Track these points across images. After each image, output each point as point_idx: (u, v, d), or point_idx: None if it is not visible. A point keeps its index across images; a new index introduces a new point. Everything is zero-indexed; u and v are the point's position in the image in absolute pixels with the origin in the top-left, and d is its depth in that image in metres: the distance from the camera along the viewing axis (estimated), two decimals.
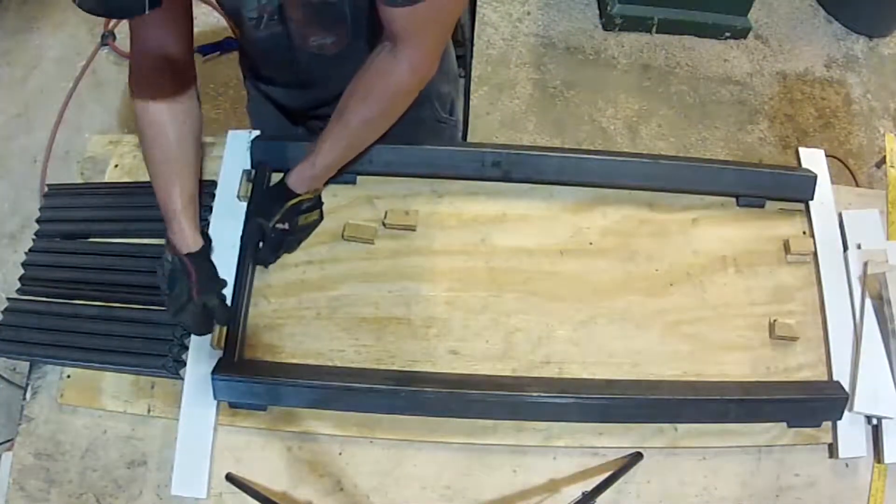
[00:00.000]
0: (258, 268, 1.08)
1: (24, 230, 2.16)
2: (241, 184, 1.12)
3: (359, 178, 1.14)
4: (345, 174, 1.09)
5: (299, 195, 1.04)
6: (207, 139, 1.22)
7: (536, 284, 1.09)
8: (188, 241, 0.99)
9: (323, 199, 1.10)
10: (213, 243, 1.07)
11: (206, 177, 1.15)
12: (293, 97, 1.23)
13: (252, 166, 1.13)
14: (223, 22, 2.45)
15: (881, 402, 1.01)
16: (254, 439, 1.01)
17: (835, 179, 1.18)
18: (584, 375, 1.04)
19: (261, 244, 1.05)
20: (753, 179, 1.16)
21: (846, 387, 1.02)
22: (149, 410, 1.02)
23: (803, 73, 2.50)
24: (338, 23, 1.00)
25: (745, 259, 1.12)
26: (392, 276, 1.08)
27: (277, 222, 1.04)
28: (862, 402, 1.01)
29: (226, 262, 1.05)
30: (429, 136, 1.28)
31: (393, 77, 0.92)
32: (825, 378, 1.06)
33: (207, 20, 2.48)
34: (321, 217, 1.11)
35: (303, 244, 1.10)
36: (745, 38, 2.56)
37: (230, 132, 1.17)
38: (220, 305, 1.01)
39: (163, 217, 1.00)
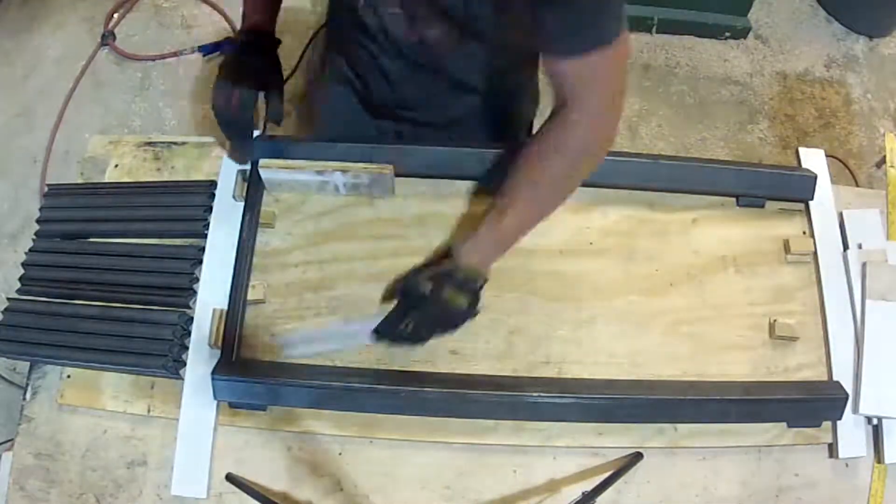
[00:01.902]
0: (257, 268, 1.08)
1: (24, 230, 2.16)
2: (236, 184, 1.12)
3: None
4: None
5: (457, 262, 0.92)
6: (207, 139, 1.22)
7: (536, 284, 1.09)
8: (256, 21, 1.00)
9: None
10: (213, 243, 1.08)
11: (207, 177, 1.15)
12: (381, 90, 1.15)
13: (251, 166, 1.12)
14: (223, 22, 2.45)
15: (885, 404, 1.01)
16: (254, 439, 1.01)
17: (835, 179, 1.18)
18: (584, 375, 1.04)
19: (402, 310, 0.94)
20: (753, 179, 1.16)
21: (846, 387, 1.02)
22: (149, 410, 1.02)
23: (803, 73, 2.50)
24: (446, 17, 0.92)
25: (745, 259, 1.12)
26: (392, 275, 1.08)
27: (424, 279, 0.92)
28: (867, 405, 1.01)
29: (225, 262, 1.05)
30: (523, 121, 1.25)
31: (567, 145, 0.85)
32: (825, 378, 1.06)
33: (207, 20, 2.48)
34: (473, 310, 0.93)
35: (303, 244, 1.10)
36: (745, 38, 2.55)
37: None
38: (275, 96, 0.99)
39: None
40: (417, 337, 0.94)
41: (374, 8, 0.95)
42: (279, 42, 1.05)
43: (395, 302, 0.96)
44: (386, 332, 0.95)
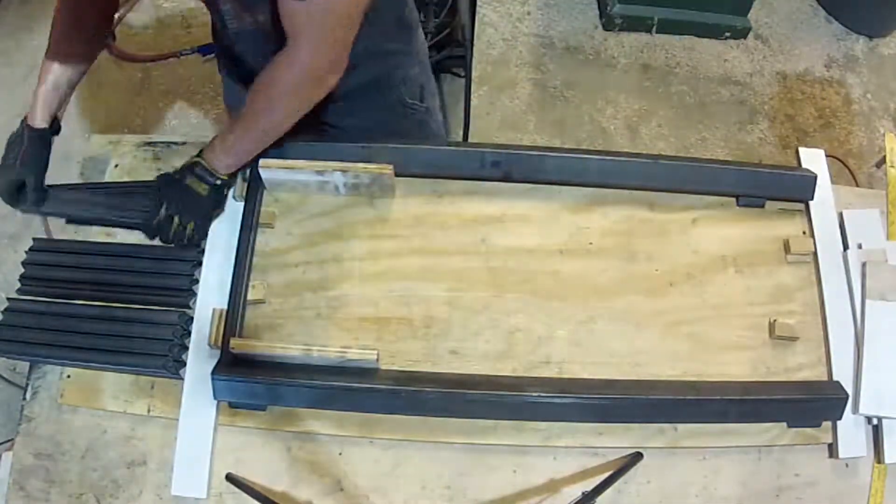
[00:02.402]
0: (257, 268, 1.08)
1: (24, 230, 2.15)
2: (237, 184, 1.11)
3: None
4: None
5: (199, 158, 1.06)
6: (207, 139, 1.21)
7: (536, 284, 1.09)
8: (35, 117, 1.12)
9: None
10: (213, 243, 1.08)
11: None
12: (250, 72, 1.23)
13: (251, 165, 1.12)
14: None
15: (886, 403, 1.01)
16: (254, 439, 1.01)
17: (835, 179, 1.18)
18: (584, 375, 1.04)
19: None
20: (753, 179, 1.16)
21: (846, 387, 1.02)
22: (149, 410, 1.02)
23: (803, 73, 2.50)
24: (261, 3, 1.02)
25: (745, 259, 1.12)
26: (392, 276, 1.08)
27: (174, 171, 1.07)
28: (867, 405, 1.01)
29: (225, 262, 1.05)
30: (396, 121, 1.29)
31: (280, 73, 0.96)
32: (825, 378, 1.06)
33: (207, 20, 2.48)
34: (217, 203, 1.09)
35: (303, 244, 1.10)
36: (745, 38, 2.56)
37: None
38: (35, 186, 1.10)
39: None
40: (175, 224, 1.07)
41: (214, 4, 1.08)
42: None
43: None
44: (148, 222, 1.08)
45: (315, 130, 1.20)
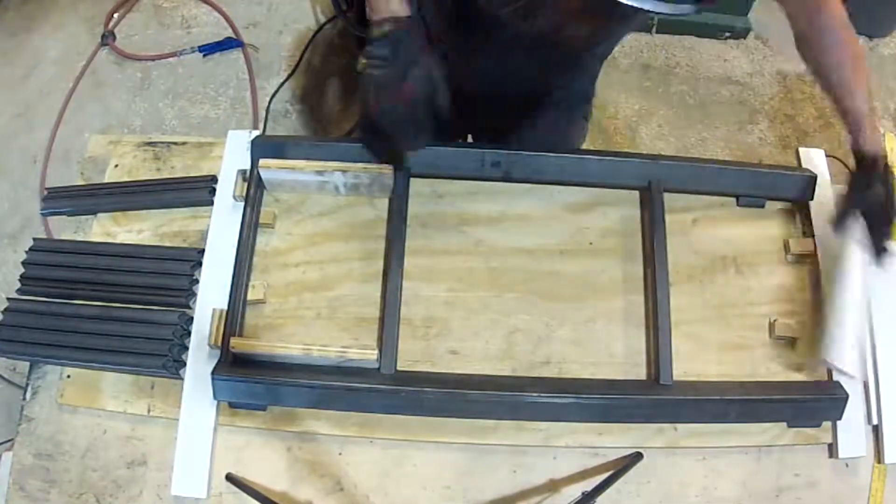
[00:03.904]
0: (257, 268, 1.08)
1: (24, 230, 2.15)
2: (236, 184, 1.12)
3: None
4: None
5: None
6: (207, 139, 1.22)
7: (536, 284, 1.09)
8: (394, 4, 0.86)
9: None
10: (213, 243, 1.08)
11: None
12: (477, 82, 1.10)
13: (251, 165, 1.12)
14: (223, 22, 2.45)
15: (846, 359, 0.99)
16: (254, 439, 1.01)
17: (835, 179, 1.18)
18: (584, 375, 1.04)
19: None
20: (753, 179, 1.16)
21: (846, 387, 1.02)
22: (149, 410, 1.02)
23: (803, 73, 2.50)
24: (601, 17, 0.92)
25: (745, 259, 1.12)
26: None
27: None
28: (830, 353, 1.00)
29: (225, 262, 1.05)
30: (579, 136, 1.30)
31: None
32: (825, 378, 1.06)
33: (207, 20, 2.48)
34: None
35: (303, 244, 1.10)
36: (745, 38, 2.55)
37: (230, 132, 1.17)
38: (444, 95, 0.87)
39: None
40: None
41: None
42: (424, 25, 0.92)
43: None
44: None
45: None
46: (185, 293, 1.06)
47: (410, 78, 0.87)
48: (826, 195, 1.16)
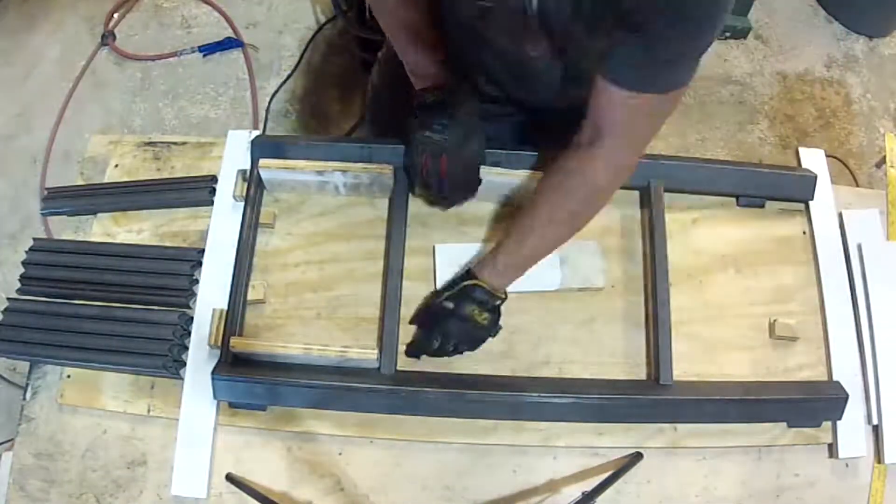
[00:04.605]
0: (257, 268, 1.08)
1: (24, 230, 2.15)
2: (236, 184, 1.12)
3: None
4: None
5: (477, 280, 0.97)
6: (207, 139, 1.22)
7: None
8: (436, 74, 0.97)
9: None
10: (213, 243, 1.08)
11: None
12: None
13: (251, 165, 1.12)
14: (223, 22, 2.45)
15: None
16: (254, 439, 1.01)
17: (835, 179, 1.18)
18: (584, 375, 1.04)
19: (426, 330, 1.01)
20: (753, 179, 1.16)
21: (846, 387, 1.02)
22: (149, 410, 1.02)
23: (803, 73, 2.50)
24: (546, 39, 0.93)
25: (745, 259, 1.12)
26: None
27: (446, 299, 0.98)
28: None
29: (225, 262, 1.05)
30: None
31: (588, 176, 0.88)
32: (825, 378, 1.06)
33: (207, 20, 2.48)
34: (494, 327, 1.00)
35: (303, 244, 1.10)
36: (745, 38, 2.55)
37: (230, 132, 1.17)
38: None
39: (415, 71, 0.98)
40: (443, 353, 0.99)
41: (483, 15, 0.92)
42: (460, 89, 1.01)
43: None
44: (416, 352, 1.01)
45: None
46: (185, 293, 1.06)
47: (467, 145, 0.98)
48: (826, 195, 1.16)
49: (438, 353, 1.00)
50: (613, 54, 0.77)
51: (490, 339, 1.01)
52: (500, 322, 1.00)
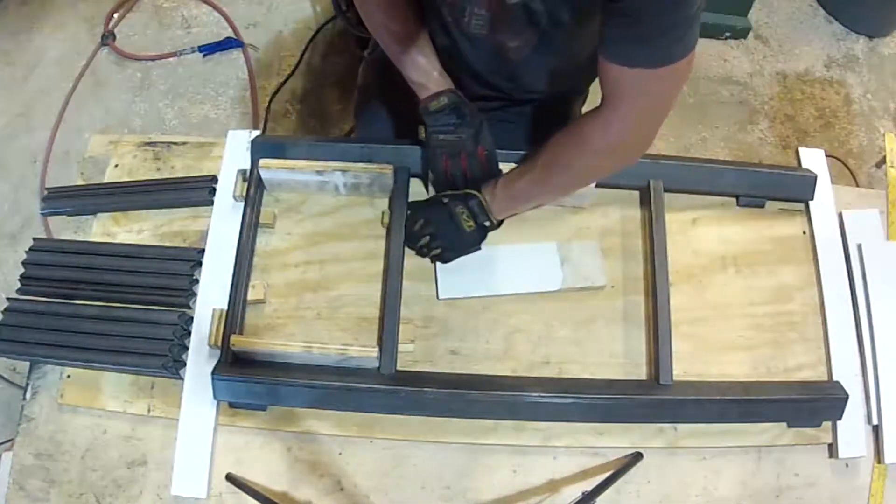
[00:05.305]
0: (257, 268, 1.08)
1: (24, 230, 2.15)
2: (236, 184, 1.12)
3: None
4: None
5: (478, 193, 1.02)
6: (207, 139, 1.22)
7: None
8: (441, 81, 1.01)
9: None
10: (213, 243, 1.08)
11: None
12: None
13: (251, 165, 1.12)
14: (223, 22, 2.45)
15: None
16: (254, 439, 1.01)
17: (835, 179, 1.18)
18: (584, 375, 1.04)
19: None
20: (753, 179, 1.16)
21: (846, 387, 1.02)
22: (149, 410, 1.02)
23: (803, 73, 2.50)
24: (529, 28, 0.96)
25: (745, 259, 1.12)
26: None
27: (445, 195, 1.03)
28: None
29: (224, 261, 1.05)
30: None
31: (587, 136, 0.90)
32: (825, 378, 1.06)
33: (207, 20, 2.48)
34: (474, 244, 1.05)
35: (303, 244, 1.10)
36: (745, 38, 2.55)
37: (230, 132, 1.17)
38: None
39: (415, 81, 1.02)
40: (421, 239, 1.05)
41: (462, 7, 0.96)
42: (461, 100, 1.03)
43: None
44: (410, 236, 1.06)
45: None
46: (185, 293, 1.06)
47: (482, 140, 1.03)
48: (826, 195, 1.16)
49: (417, 239, 1.04)
50: (606, 32, 0.80)
51: (465, 253, 1.05)
52: (482, 242, 1.05)
